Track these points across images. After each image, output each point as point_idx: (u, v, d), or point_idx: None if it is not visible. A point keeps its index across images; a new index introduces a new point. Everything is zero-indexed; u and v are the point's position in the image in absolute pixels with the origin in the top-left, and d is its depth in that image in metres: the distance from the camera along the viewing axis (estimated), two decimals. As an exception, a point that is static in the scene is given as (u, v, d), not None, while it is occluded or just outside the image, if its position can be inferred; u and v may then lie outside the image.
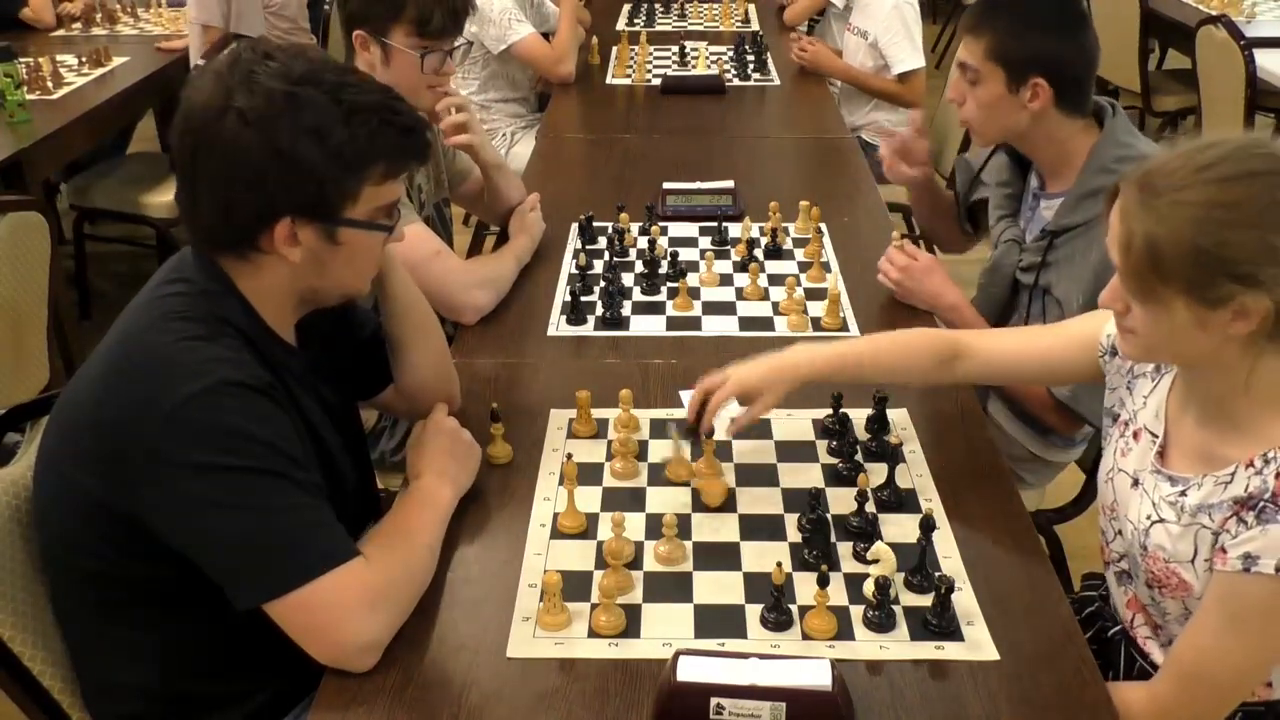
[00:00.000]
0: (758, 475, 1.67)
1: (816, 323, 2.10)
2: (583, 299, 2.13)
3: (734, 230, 2.44)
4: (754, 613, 1.40)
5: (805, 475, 1.66)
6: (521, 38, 3.60)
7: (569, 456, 1.61)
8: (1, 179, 3.13)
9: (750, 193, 2.63)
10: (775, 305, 2.16)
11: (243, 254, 1.36)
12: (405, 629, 1.36)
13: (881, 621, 1.38)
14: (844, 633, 1.37)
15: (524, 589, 1.44)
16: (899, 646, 1.35)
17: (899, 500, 1.60)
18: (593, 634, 1.37)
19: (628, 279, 2.24)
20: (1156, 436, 1.43)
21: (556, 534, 1.54)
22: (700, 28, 4.38)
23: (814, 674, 1.22)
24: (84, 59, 3.92)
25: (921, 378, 1.73)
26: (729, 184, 2.66)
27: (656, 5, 4.64)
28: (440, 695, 1.29)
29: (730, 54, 3.87)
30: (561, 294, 2.21)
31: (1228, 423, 1.33)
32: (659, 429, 1.75)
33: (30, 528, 1.44)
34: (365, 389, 1.71)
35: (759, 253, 2.35)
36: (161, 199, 3.75)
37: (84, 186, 3.88)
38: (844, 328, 2.09)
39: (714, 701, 1.21)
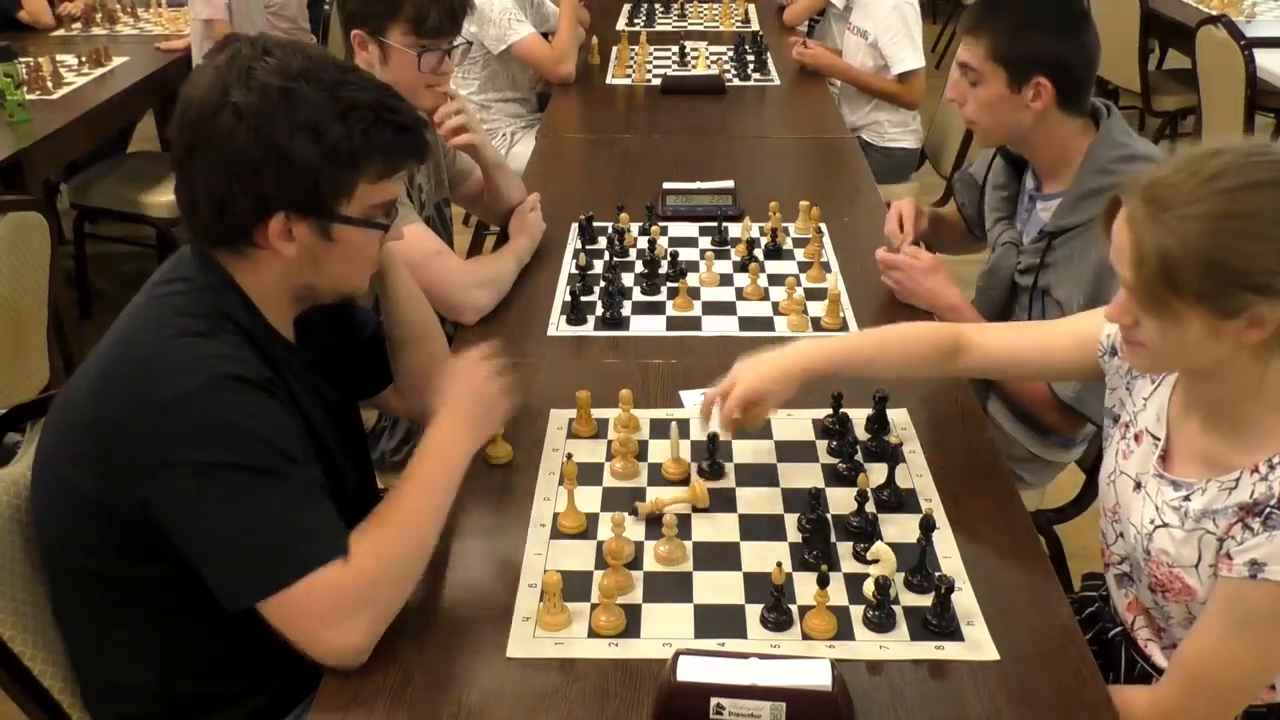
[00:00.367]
0: (758, 475, 1.67)
1: (816, 323, 2.10)
2: (583, 299, 2.13)
3: (734, 230, 2.44)
4: (754, 613, 1.40)
5: (805, 475, 1.66)
6: (521, 38, 3.60)
7: (569, 456, 1.61)
8: (1, 179, 3.13)
9: (750, 193, 2.63)
10: (775, 305, 2.16)
11: (239, 250, 1.36)
12: (406, 629, 1.36)
13: (881, 621, 1.38)
14: (844, 633, 1.37)
15: (524, 589, 1.44)
16: (899, 646, 1.35)
17: (899, 500, 1.60)
18: (593, 634, 1.37)
19: (628, 279, 2.24)
20: (1158, 440, 1.43)
21: (556, 534, 1.54)
22: (700, 28, 4.38)
23: (814, 674, 1.22)
24: (84, 59, 3.92)
25: (925, 371, 1.73)
26: (729, 184, 2.66)
27: (656, 5, 4.64)
28: (440, 695, 1.29)
29: (730, 54, 3.87)
30: (561, 294, 2.21)
31: (1233, 428, 1.33)
32: (659, 429, 1.75)
33: (30, 528, 1.44)
34: (365, 388, 1.71)
35: (759, 253, 2.35)
36: (162, 198, 3.75)
37: (84, 186, 3.88)
38: (844, 327, 2.09)
39: (714, 701, 1.21)
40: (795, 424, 1.79)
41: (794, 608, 1.40)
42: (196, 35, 3.91)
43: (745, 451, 1.72)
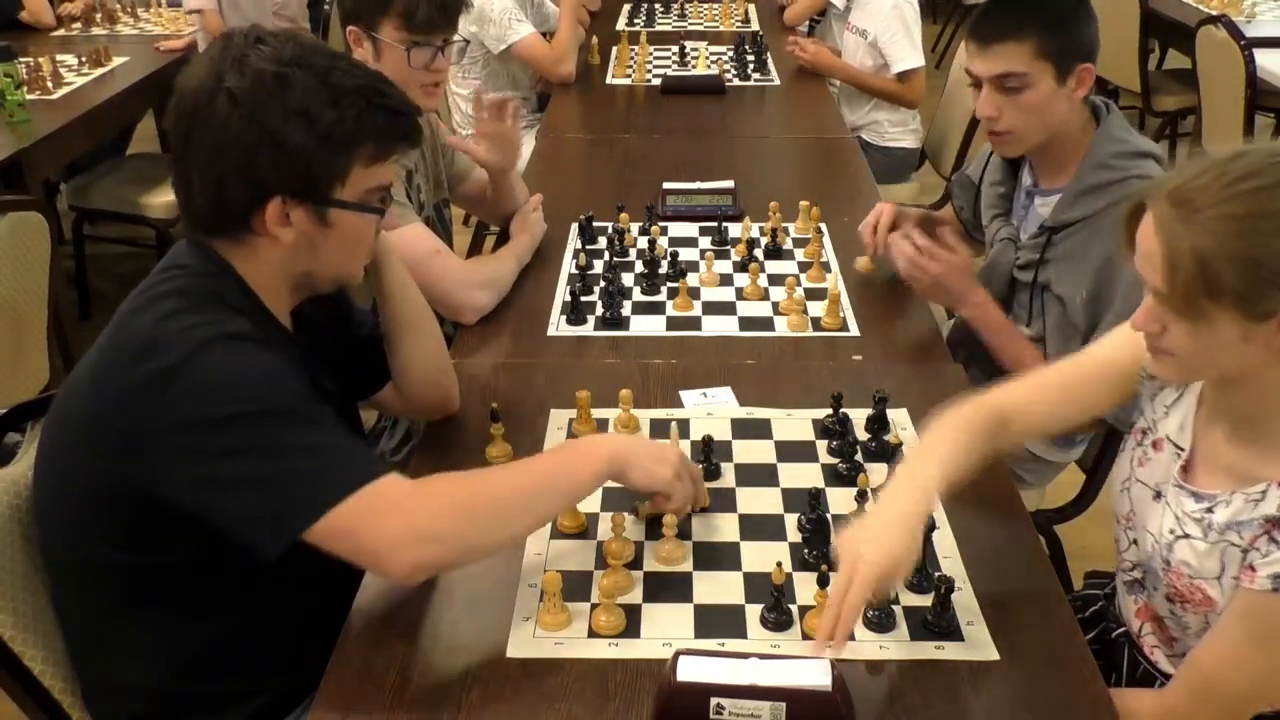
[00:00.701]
0: (758, 475, 1.67)
1: (816, 323, 2.10)
2: (583, 299, 2.13)
3: (734, 230, 2.44)
4: (754, 613, 1.40)
5: (805, 475, 1.66)
6: (521, 38, 3.60)
7: (569, 456, 1.61)
8: (1, 179, 3.13)
9: (750, 193, 2.63)
10: (775, 305, 2.15)
11: (237, 237, 1.37)
12: (406, 629, 1.36)
13: (881, 621, 1.37)
14: (844, 633, 1.37)
15: (524, 589, 1.44)
16: (899, 646, 1.35)
17: (899, 500, 1.59)
18: (593, 634, 1.37)
19: (628, 279, 2.24)
20: (1181, 450, 1.40)
21: (556, 534, 1.54)
22: (700, 28, 4.38)
23: (814, 674, 1.22)
24: (84, 59, 3.92)
25: (984, 459, 1.58)
26: (729, 184, 2.66)
27: (656, 5, 4.65)
28: (440, 695, 1.29)
29: (730, 54, 3.87)
30: (561, 294, 2.21)
31: (1261, 439, 1.31)
32: (659, 429, 1.75)
33: (31, 527, 1.44)
34: (363, 387, 1.71)
35: (759, 253, 2.35)
36: (161, 199, 3.75)
37: (83, 187, 3.88)
38: (844, 328, 2.08)
39: (714, 701, 1.21)
40: (795, 424, 1.79)
41: (794, 608, 1.40)
42: (202, 32, 3.96)
43: (745, 451, 1.72)
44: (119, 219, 3.93)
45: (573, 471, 1.42)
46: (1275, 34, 4.25)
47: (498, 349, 2.05)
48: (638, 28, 4.27)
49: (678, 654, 1.25)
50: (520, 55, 3.65)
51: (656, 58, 3.85)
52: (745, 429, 1.77)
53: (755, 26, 4.34)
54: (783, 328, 2.09)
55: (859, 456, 1.69)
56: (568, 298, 2.15)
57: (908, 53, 3.67)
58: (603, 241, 2.39)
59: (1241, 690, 1.33)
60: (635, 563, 1.48)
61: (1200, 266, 1.20)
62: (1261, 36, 4.05)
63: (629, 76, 3.71)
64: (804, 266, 2.31)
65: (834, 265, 2.32)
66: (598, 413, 1.77)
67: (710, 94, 3.50)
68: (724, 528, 1.55)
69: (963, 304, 2.05)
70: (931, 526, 1.43)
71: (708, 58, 3.78)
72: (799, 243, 2.42)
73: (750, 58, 3.74)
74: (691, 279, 2.22)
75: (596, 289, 2.19)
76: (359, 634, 1.37)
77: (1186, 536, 1.36)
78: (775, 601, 1.38)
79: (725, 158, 2.99)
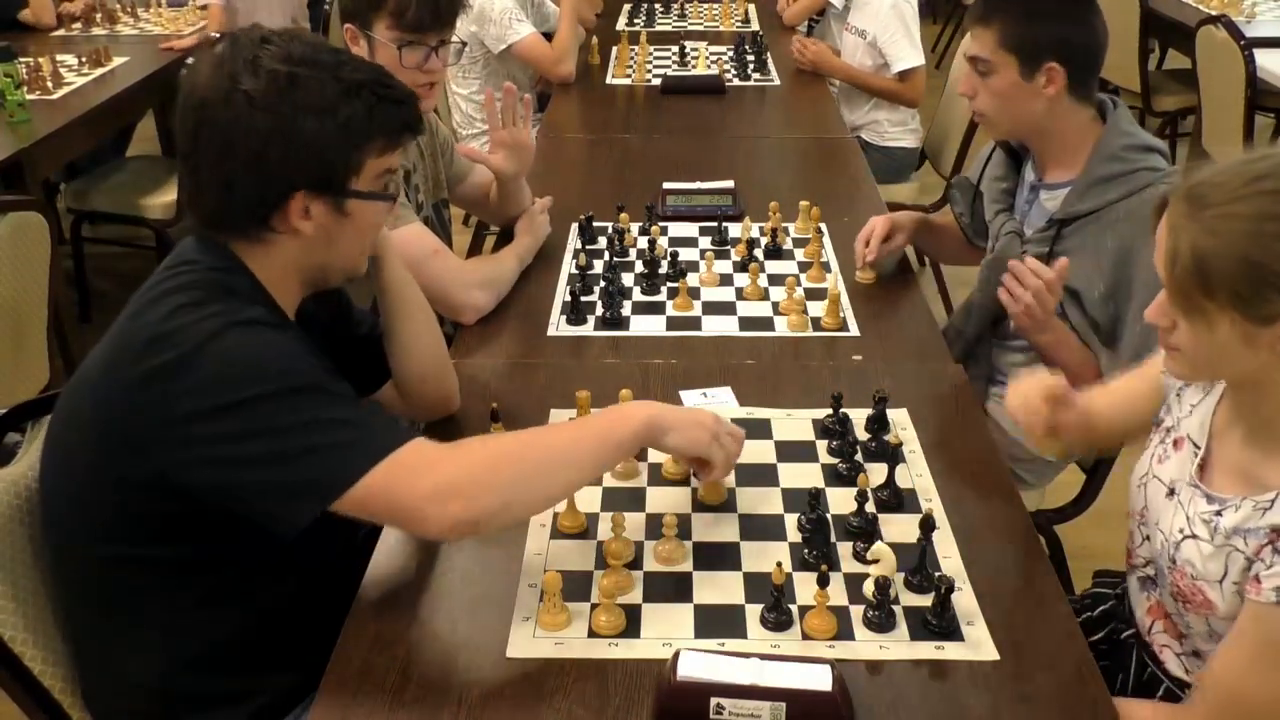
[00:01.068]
0: (758, 475, 1.67)
1: (816, 323, 2.10)
2: (583, 299, 2.13)
3: (734, 230, 2.44)
4: (754, 613, 1.40)
5: (805, 475, 1.66)
6: (522, 38, 3.60)
7: (569, 456, 1.61)
8: (1, 179, 3.13)
9: (750, 193, 2.63)
10: (775, 305, 2.15)
11: (253, 235, 1.39)
12: (406, 629, 1.36)
13: (881, 621, 1.37)
14: (844, 633, 1.37)
15: (524, 589, 1.44)
16: (899, 646, 1.35)
17: (899, 500, 1.60)
18: (593, 634, 1.37)
19: (628, 279, 2.24)
20: (1199, 449, 1.41)
21: (556, 534, 1.54)
22: (700, 28, 4.38)
23: (814, 674, 1.22)
24: (84, 59, 3.92)
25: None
26: (729, 184, 2.66)
27: (656, 5, 4.65)
28: (440, 695, 1.29)
29: (730, 54, 3.87)
30: (561, 294, 2.21)
31: (1274, 445, 1.31)
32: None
33: (32, 528, 1.44)
34: (363, 386, 1.71)
35: (759, 253, 2.35)
36: (161, 200, 3.76)
37: (83, 191, 3.88)
38: (844, 328, 2.08)
39: (714, 701, 1.21)
40: (795, 424, 1.79)
41: (794, 608, 1.40)
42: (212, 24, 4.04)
43: (745, 452, 1.71)
44: (117, 220, 3.93)
45: (610, 432, 1.43)
46: (1275, 34, 4.25)
47: (498, 349, 2.05)
48: (638, 28, 4.27)
49: (678, 654, 1.25)
50: (520, 55, 3.65)
51: (656, 58, 3.85)
52: (745, 429, 1.76)
53: (755, 26, 4.34)
54: (783, 328, 2.09)
55: (859, 456, 1.69)
56: (568, 298, 2.15)
57: (907, 52, 3.68)
58: (603, 241, 2.39)
59: (1261, 703, 1.31)
60: (635, 563, 1.48)
61: (1197, 263, 1.21)
62: (1261, 36, 4.05)
63: (629, 76, 3.71)
64: (804, 266, 2.31)
65: (834, 265, 2.32)
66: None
67: (710, 94, 3.50)
68: (724, 528, 1.55)
69: (1047, 336, 1.95)
70: (932, 526, 1.43)
71: (708, 58, 3.78)
72: (799, 243, 2.42)
73: (750, 58, 3.74)
74: (691, 279, 2.22)
75: (596, 289, 2.19)
76: (359, 634, 1.37)
77: (1194, 537, 1.36)
78: (775, 601, 1.38)
79: (725, 158, 2.99)
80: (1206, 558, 1.34)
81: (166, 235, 3.79)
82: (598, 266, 2.28)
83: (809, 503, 1.51)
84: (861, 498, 1.54)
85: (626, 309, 2.14)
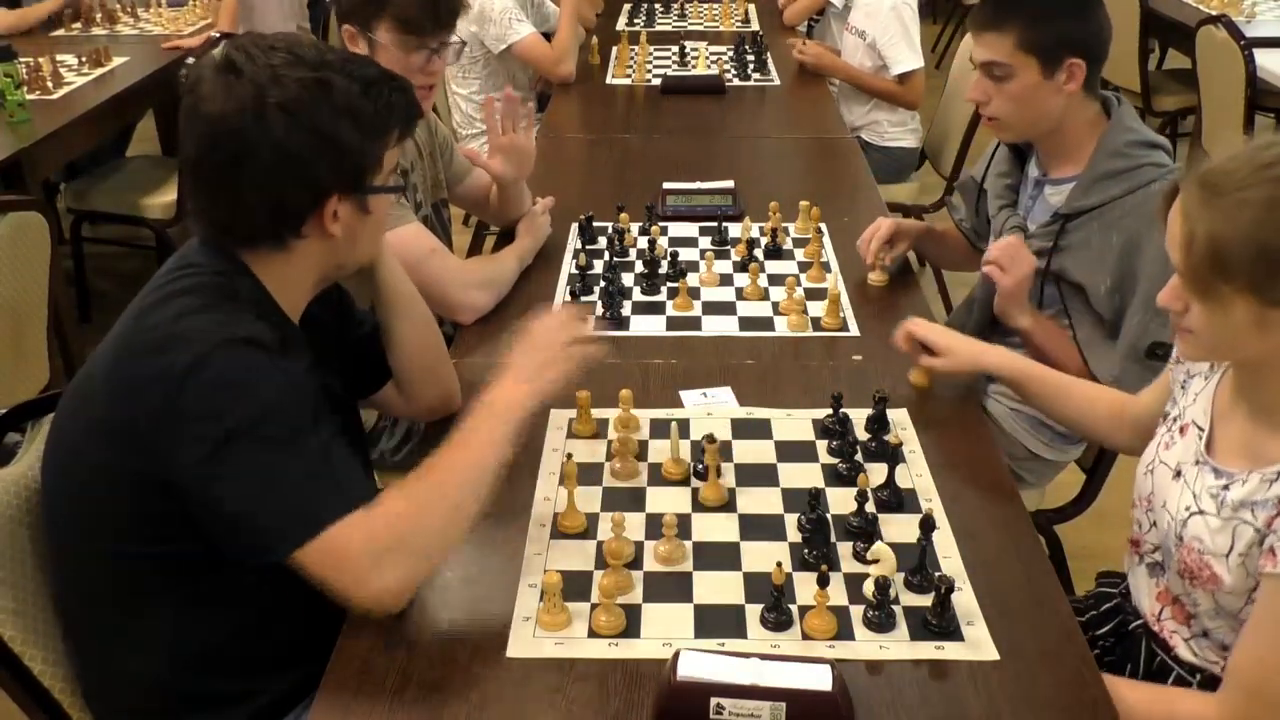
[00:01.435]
0: (758, 475, 1.67)
1: (816, 323, 2.10)
2: (583, 299, 2.13)
3: (734, 230, 2.44)
4: (754, 613, 1.40)
5: (805, 475, 1.66)
6: (522, 38, 3.60)
7: (569, 456, 1.61)
8: (1, 179, 3.13)
9: (750, 193, 2.63)
10: (775, 305, 2.16)
11: (281, 244, 1.39)
12: (406, 629, 1.36)
13: (881, 621, 1.37)
14: (844, 633, 1.37)
15: (524, 589, 1.44)
16: (899, 646, 1.35)
17: (899, 500, 1.60)
18: (593, 634, 1.37)
19: (628, 279, 2.24)
20: (1203, 430, 1.44)
21: (556, 534, 1.54)
22: (700, 28, 4.38)
23: (814, 674, 1.22)
24: (84, 59, 3.91)
25: (1093, 427, 1.77)
26: (729, 184, 2.66)
27: (656, 5, 4.65)
28: (440, 695, 1.29)
29: (730, 54, 3.87)
30: (561, 294, 2.21)
31: (1279, 420, 1.34)
32: (659, 429, 1.75)
33: (32, 528, 1.44)
34: (364, 386, 1.72)
35: (759, 253, 2.35)
36: (160, 200, 3.75)
37: (83, 191, 3.88)
38: (844, 328, 2.09)
39: (714, 701, 1.21)
40: (795, 424, 1.79)
41: (794, 608, 1.40)
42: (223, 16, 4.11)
43: (745, 452, 1.72)
44: (116, 220, 3.93)
45: (505, 431, 1.43)
46: (1275, 34, 4.25)
47: (498, 349, 2.03)
48: (638, 28, 4.27)
49: (678, 654, 1.25)
50: (520, 55, 3.65)
51: (656, 58, 3.85)
52: (745, 429, 1.77)
53: (755, 26, 4.34)
54: (783, 328, 2.09)
55: (859, 456, 1.69)
56: (568, 298, 2.15)
57: (906, 55, 3.67)
58: (603, 241, 2.39)
59: None
60: (635, 563, 1.48)
61: (1213, 248, 1.25)
62: (1261, 36, 4.05)
63: (629, 76, 3.70)
64: (804, 266, 2.31)
65: (834, 265, 2.32)
66: (598, 413, 1.77)
67: (710, 94, 3.50)
68: (724, 528, 1.55)
69: (1024, 311, 2.00)
70: (931, 526, 1.43)
71: (708, 58, 3.78)
72: (799, 243, 2.42)
73: (750, 58, 3.74)
74: (691, 279, 2.22)
75: (596, 289, 2.19)
76: (359, 634, 1.37)
77: (1201, 513, 1.39)
78: (775, 601, 1.38)
79: (725, 158, 2.99)
80: (1214, 531, 1.36)
81: (166, 235, 3.79)
82: (598, 266, 2.28)
83: (809, 503, 1.51)
84: (861, 498, 1.54)
85: (626, 309, 2.14)
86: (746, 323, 2.11)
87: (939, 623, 1.37)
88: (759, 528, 1.55)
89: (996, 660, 1.33)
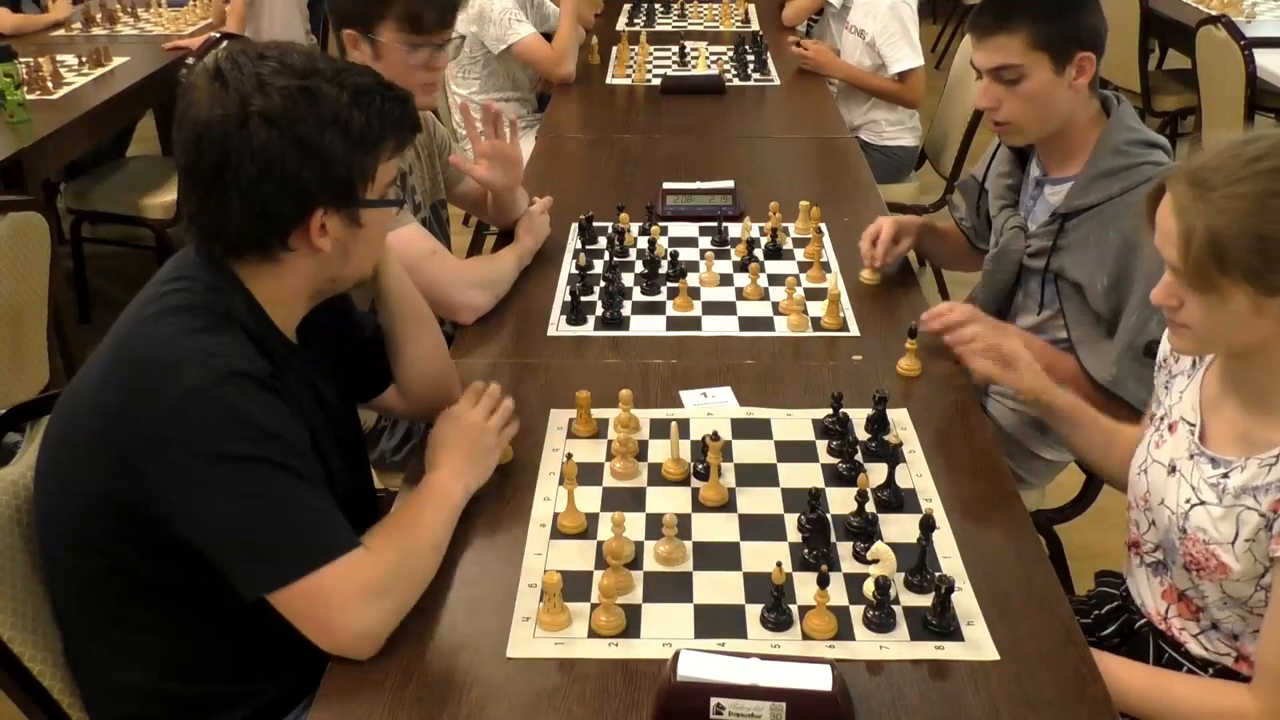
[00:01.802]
0: (758, 475, 1.66)
1: (816, 323, 2.10)
2: (583, 299, 2.13)
3: (734, 230, 2.44)
4: (754, 613, 1.40)
5: (805, 475, 1.66)
6: (522, 38, 3.60)
7: (569, 456, 1.61)
8: (1, 179, 3.13)
9: (750, 193, 2.63)
10: (775, 305, 2.15)
11: (269, 255, 1.37)
12: (406, 629, 1.36)
13: (881, 621, 1.37)
14: (844, 633, 1.37)
15: (524, 589, 1.44)
16: (899, 646, 1.35)
17: (899, 500, 1.60)
18: (593, 634, 1.37)
19: (628, 279, 2.24)
20: (1194, 425, 1.46)
21: (556, 534, 1.54)
22: (700, 28, 4.38)
23: (814, 675, 1.22)
24: (84, 59, 3.92)
25: (1093, 452, 1.77)
26: (729, 184, 2.66)
27: (656, 5, 4.65)
28: (440, 695, 1.29)
29: (730, 54, 3.87)
30: (561, 294, 2.21)
31: (1273, 407, 1.36)
32: (659, 429, 1.75)
33: (31, 528, 1.44)
34: (365, 390, 1.71)
35: (759, 253, 2.35)
36: (160, 200, 3.76)
37: (83, 191, 3.88)
38: (844, 327, 2.08)
39: (714, 701, 1.21)
40: (795, 424, 1.79)
41: (794, 608, 1.40)
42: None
43: (745, 452, 1.72)
44: (116, 220, 3.93)
45: (450, 512, 1.49)
46: (1275, 34, 4.25)
47: (497, 349, 2.05)
48: (638, 28, 4.27)
49: (678, 654, 1.25)
50: (520, 55, 3.65)
51: (656, 58, 3.85)
52: (745, 429, 1.77)
53: (755, 26, 4.34)
54: (783, 328, 2.09)
55: (859, 456, 1.69)
56: (568, 298, 2.15)
57: (905, 53, 3.67)
58: (603, 241, 2.39)
59: None
60: (635, 563, 1.48)
61: (1212, 243, 1.27)
62: (1261, 36, 4.05)
63: (629, 76, 3.70)
64: (804, 266, 2.31)
65: (834, 265, 2.32)
66: (598, 413, 1.77)
67: (710, 94, 3.50)
68: (724, 528, 1.55)
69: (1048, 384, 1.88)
70: (931, 526, 1.43)
71: (708, 58, 3.78)
72: (799, 243, 2.42)
73: (750, 58, 3.74)
74: (691, 279, 2.22)
75: (596, 289, 2.19)
76: (359, 634, 1.37)
77: (1203, 503, 1.40)
78: (775, 601, 1.38)
79: (725, 158, 2.99)
80: (1217, 519, 1.38)
81: (166, 235, 3.79)
82: (598, 266, 2.28)
83: (809, 503, 1.51)
84: (861, 498, 1.54)
85: (626, 309, 2.14)
86: (746, 323, 2.11)
87: (939, 623, 1.37)
88: (759, 528, 1.55)
89: (996, 660, 1.33)
